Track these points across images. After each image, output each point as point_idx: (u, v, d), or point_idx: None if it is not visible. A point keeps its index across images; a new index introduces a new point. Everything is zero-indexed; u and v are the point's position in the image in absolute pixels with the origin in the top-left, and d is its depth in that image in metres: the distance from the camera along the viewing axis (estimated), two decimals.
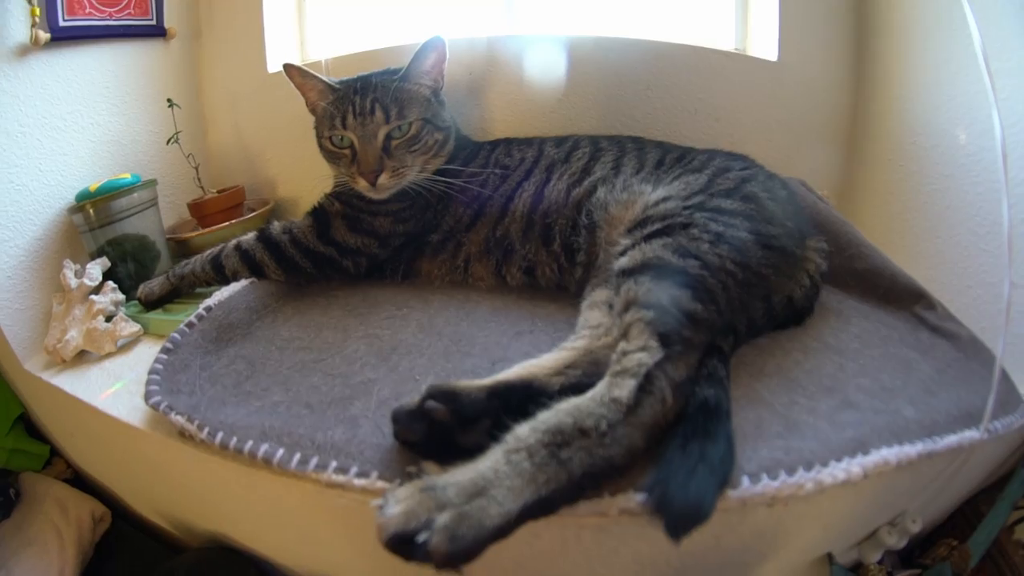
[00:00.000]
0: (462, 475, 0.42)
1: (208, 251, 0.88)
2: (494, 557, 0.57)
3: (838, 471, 0.49)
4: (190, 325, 0.72)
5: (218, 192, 1.11)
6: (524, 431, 0.44)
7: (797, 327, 0.71)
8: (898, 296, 0.79)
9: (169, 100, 1.09)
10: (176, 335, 0.71)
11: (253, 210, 1.11)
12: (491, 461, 0.43)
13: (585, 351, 0.57)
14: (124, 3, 1.07)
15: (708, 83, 1.07)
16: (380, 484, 0.49)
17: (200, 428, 0.58)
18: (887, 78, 1.02)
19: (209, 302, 0.76)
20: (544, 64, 1.08)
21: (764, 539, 0.61)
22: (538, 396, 0.50)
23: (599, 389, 0.48)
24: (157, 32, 1.14)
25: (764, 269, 0.63)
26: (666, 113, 1.08)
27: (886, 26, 1.01)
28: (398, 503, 0.40)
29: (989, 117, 0.76)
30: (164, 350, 0.69)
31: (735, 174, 0.74)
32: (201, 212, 1.09)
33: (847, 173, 1.11)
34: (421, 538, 0.38)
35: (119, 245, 1.00)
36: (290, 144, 1.16)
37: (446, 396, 0.48)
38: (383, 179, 0.82)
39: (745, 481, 0.48)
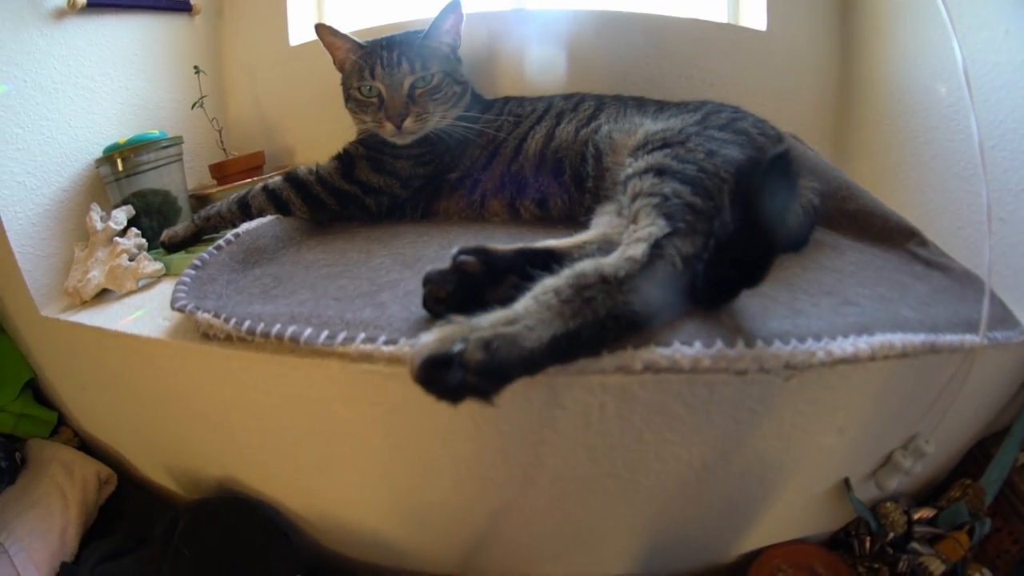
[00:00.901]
0: (494, 314, 0.43)
1: (234, 194, 0.90)
2: (514, 440, 0.57)
3: (846, 345, 0.50)
4: (218, 247, 0.73)
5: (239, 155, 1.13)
6: (550, 279, 0.45)
7: (794, 254, 0.72)
8: (891, 234, 0.80)
9: (196, 67, 1.13)
10: (204, 255, 0.71)
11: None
12: (521, 303, 0.44)
13: (599, 234, 0.60)
14: None
15: (703, 53, 1.10)
16: (408, 350, 0.49)
17: (227, 321, 0.58)
18: (872, 40, 1.05)
19: (236, 230, 0.77)
20: (549, 37, 1.12)
21: (782, 438, 0.60)
22: (560, 260, 0.51)
23: (615, 253, 0.50)
24: (183, 7, 1.18)
25: None
26: (664, 80, 1.11)
27: None
28: (431, 334, 0.41)
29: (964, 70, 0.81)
30: (192, 266, 0.70)
31: (727, 114, 0.78)
32: (222, 172, 1.11)
33: (838, 135, 1.13)
34: (456, 348, 0.38)
35: (143, 198, 1.01)
36: (309, 113, 1.19)
37: (477, 251, 0.50)
38: (408, 123, 0.86)
39: (759, 343, 0.48)
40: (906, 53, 0.99)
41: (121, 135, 1.05)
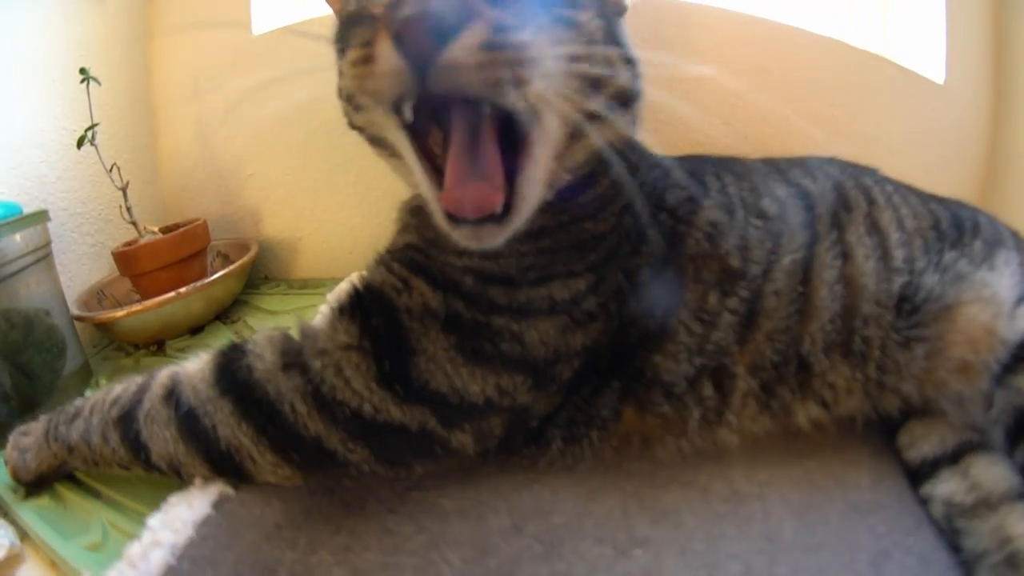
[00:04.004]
0: None
1: (115, 392, 0.35)
2: None
3: None
4: None
5: (161, 232, 0.59)
6: None
7: None
8: None
9: (83, 70, 0.57)
10: None
11: (225, 255, 0.60)
12: None
13: None
14: None
15: (891, 106, 0.74)
16: None
17: None
18: None
19: None
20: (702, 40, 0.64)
21: None
22: None
23: None
24: None
25: None
26: (850, 140, 0.73)
27: None
28: None
29: None
30: None
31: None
32: (133, 267, 0.56)
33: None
34: None
35: None
36: (284, 149, 0.66)
37: None
38: (456, 51, 0.23)
39: None
40: None
41: None
